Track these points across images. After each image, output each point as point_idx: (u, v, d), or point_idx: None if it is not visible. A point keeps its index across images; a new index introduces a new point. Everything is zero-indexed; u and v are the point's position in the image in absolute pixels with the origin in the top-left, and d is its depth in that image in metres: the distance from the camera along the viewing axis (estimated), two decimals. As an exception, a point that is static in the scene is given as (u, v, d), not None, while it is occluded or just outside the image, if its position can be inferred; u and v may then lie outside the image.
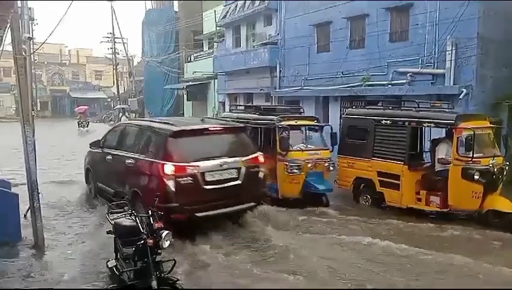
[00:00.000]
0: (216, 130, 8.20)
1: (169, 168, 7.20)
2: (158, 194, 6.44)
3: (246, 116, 10.94)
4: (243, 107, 13.15)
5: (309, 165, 9.53)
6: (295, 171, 9.40)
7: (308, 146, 10.06)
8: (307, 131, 10.60)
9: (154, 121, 9.05)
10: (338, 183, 10.32)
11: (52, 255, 6.95)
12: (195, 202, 7.30)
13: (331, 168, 9.92)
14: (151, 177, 7.53)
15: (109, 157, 9.09)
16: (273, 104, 15.83)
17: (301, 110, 11.75)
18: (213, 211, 7.41)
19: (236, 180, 7.73)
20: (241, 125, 9.30)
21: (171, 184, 7.14)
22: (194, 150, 7.61)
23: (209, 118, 13.96)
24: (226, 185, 7.58)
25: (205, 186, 7.36)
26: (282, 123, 9.69)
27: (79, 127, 33.59)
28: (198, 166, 7.33)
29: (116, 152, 8.90)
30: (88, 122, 34.95)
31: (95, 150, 9.91)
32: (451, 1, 12.32)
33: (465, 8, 11.91)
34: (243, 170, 7.80)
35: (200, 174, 7.33)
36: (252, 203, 8.05)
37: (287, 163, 9.41)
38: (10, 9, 6.27)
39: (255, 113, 10.94)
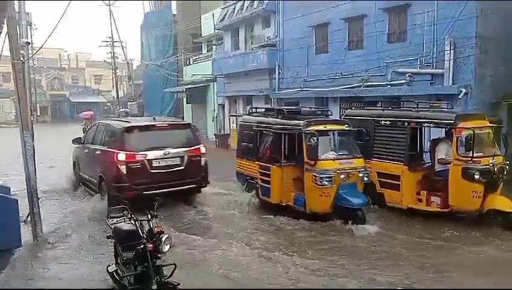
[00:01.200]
0: (162, 126, 10.36)
1: (121, 156, 9.26)
2: (114, 175, 9.23)
3: (267, 120, 9.92)
4: (263, 110, 11.54)
5: (341, 176, 8.35)
6: (325, 183, 8.24)
7: (340, 154, 8.77)
8: (338, 137, 9.09)
9: (115, 120, 11.81)
10: None
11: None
12: (143, 182, 9.21)
13: (366, 178, 8.72)
14: (109, 163, 9.55)
15: (86, 150, 11.24)
16: (298, 107, 13.00)
17: (329, 113, 10.44)
18: (158, 190, 8.88)
19: (180, 166, 9.74)
20: (186, 122, 12.39)
21: (123, 168, 9.20)
22: (143, 141, 9.61)
23: (160, 117, 14.37)
24: (170, 170, 9.57)
25: (152, 171, 9.38)
26: (309, 128, 8.62)
27: (84, 133, 32.93)
28: (146, 154, 9.37)
29: (91, 146, 10.97)
30: None
31: (79, 146, 11.95)
32: (450, 1, 12.34)
33: (463, 7, 11.92)
34: (186, 158, 9.82)
35: (147, 161, 9.36)
36: (193, 185, 9.96)
37: (316, 174, 8.28)
38: (3, 13, 6.26)
39: (277, 117, 9.79)
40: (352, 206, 8.25)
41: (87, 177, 11.06)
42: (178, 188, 9.60)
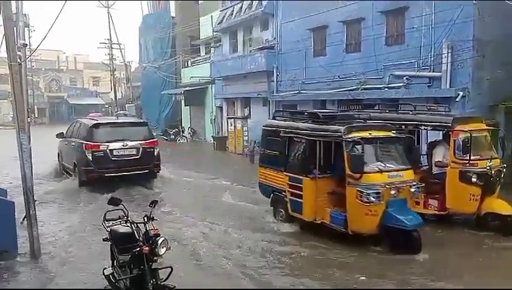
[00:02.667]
0: (122, 123, 13.53)
1: (89, 146, 11.89)
2: (83, 161, 11.97)
3: (298, 125, 8.71)
4: (291, 114, 10.34)
5: (392, 191, 7.18)
6: (373, 199, 7.07)
7: (388, 165, 7.58)
8: (384, 145, 7.96)
9: (87, 118, 14.64)
10: None
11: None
12: (105, 167, 11.88)
13: (417, 194, 7.76)
14: (80, 152, 12.15)
15: (66, 143, 13.85)
16: (336, 109, 12.18)
17: (370, 116, 9.32)
18: (117, 173, 11.98)
19: (136, 155, 12.30)
20: (142, 121, 15.41)
21: (89, 156, 11.84)
22: (106, 135, 12.21)
23: (124, 116, 19.03)
24: (128, 158, 12.18)
25: (113, 158, 12.01)
26: (352, 135, 7.47)
27: None
28: (108, 145, 11.96)
29: (69, 139, 13.52)
30: None
31: (62, 139, 14.39)
32: (447, 4, 12.37)
33: (460, 10, 11.96)
34: (141, 149, 12.36)
35: (109, 150, 11.97)
36: (147, 171, 12.49)
37: (361, 189, 7.12)
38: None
39: (308, 122, 8.61)
40: (406, 228, 7.03)
41: (67, 164, 13.77)
42: (133, 172, 12.25)
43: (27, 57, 8.40)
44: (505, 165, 8.54)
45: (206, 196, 11.93)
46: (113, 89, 42.64)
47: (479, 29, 11.93)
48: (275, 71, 19.39)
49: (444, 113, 9.60)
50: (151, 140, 12.90)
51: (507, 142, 8.75)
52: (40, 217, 7.99)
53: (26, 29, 9.34)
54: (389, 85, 14.08)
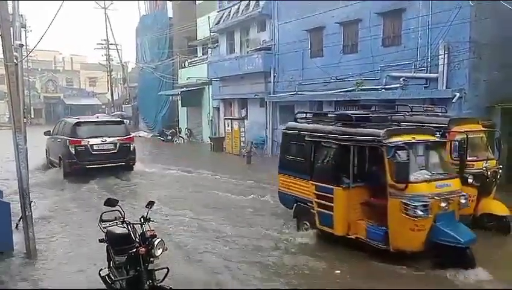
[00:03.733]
0: (102, 121, 15.78)
1: (72, 141, 13.54)
2: (67, 155, 13.62)
3: (326, 128, 7.90)
4: (315, 116, 9.82)
5: (442, 204, 6.41)
6: (420, 213, 6.27)
7: (434, 173, 6.81)
8: (428, 150, 7.09)
9: (70, 117, 16.08)
10: None
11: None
12: (86, 160, 13.57)
13: (465, 205, 7.02)
14: (64, 147, 13.80)
15: (53, 140, 15.37)
16: (367, 110, 9.84)
17: (405, 116, 8.64)
18: (97, 165, 13.69)
19: (114, 150, 13.99)
20: (120, 119, 17.01)
21: (72, 150, 13.50)
22: (87, 132, 13.94)
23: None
24: (106, 152, 13.89)
25: (93, 152, 13.71)
26: (393, 140, 6.65)
27: None
28: (88, 141, 13.65)
29: (55, 136, 15.10)
30: None
31: (49, 137, 15.82)
32: (443, 5, 12.41)
33: (457, 12, 12.00)
34: (118, 144, 14.03)
35: (89, 145, 13.64)
36: (123, 163, 14.21)
37: (407, 201, 6.33)
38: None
39: (337, 124, 7.81)
40: (459, 244, 6.18)
41: (53, 159, 15.35)
42: (111, 164, 13.90)
43: (24, 57, 8.35)
44: (500, 166, 8.57)
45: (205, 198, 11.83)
46: (109, 90, 42.63)
47: (476, 31, 11.98)
48: (272, 72, 19.41)
49: (440, 114, 9.62)
50: (128, 136, 14.64)
51: (503, 144, 8.76)
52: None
53: (22, 29, 9.33)
54: (386, 86, 14.12)
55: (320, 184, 7.61)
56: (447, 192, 6.55)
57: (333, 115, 8.52)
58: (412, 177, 6.43)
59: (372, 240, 6.90)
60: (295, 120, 9.19)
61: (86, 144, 13.57)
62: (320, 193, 7.61)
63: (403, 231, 6.45)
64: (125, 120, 33.73)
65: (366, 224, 7.09)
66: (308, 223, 8.04)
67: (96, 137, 13.76)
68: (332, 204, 7.35)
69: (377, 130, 6.90)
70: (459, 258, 6.23)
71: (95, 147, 13.69)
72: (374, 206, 7.10)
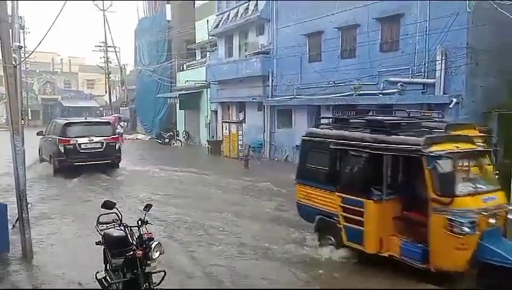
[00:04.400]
0: (89, 122, 16.46)
1: (61, 141, 14.64)
2: (57, 153, 14.75)
3: (354, 135, 7.17)
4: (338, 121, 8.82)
5: (491, 220, 5.83)
6: (467, 230, 5.67)
7: (479, 186, 6.14)
8: (471, 160, 6.34)
9: (61, 119, 18.16)
10: None
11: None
12: (75, 157, 14.63)
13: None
14: (55, 146, 14.88)
15: (44, 139, 16.46)
16: (398, 116, 9.11)
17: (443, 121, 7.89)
18: (84, 162, 14.67)
19: (100, 149, 15.10)
20: (106, 120, 18.58)
21: (62, 148, 14.62)
22: (75, 132, 15.03)
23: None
24: (93, 151, 14.98)
25: (81, 151, 14.78)
26: (434, 149, 5.98)
27: None
28: (77, 140, 14.75)
29: (47, 136, 16.20)
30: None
31: (41, 137, 16.83)
32: (441, 11, 12.47)
33: (454, 18, 12.08)
34: (104, 143, 15.15)
35: (78, 144, 14.74)
36: (108, 161, 15.28)
37: (452, 217, 5.74)
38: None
39: (366, 131, 7.08)
40: (509, 264, 5.49)
41: (45, 157, 16.45)
42: (98, 162, 14.97)
43: (22, 60, 8.36)
44: (497, 171, 8.57)
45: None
46: (107, 92, 42.56)
47: (473, 37, 12.06)
48: (270, 76, 19.46)
49: (437, 119, 9.63)
50: (114, 136, 15.84)
51: (500, 149, 8.80)
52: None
53: (21, 31, 9.32)
54: (384, 91, 14.19)
55: (348, 196, 6.92)
56: (494, 206, 5.97)
57: (361, 120, 7.74)
58: (456, 191, 5.82)
59: (409, 259, 6.24)
60: (316, 126, 8.40)
61: (74, 143, 14.71)
62: (348, 206, 6.92)
63: (447, 250, 5.83)
64: (122, 122, 34.21)
65: (400, 241, 6.42)
66: (333, 239, 7.35)
67: (83, 137, 14.90)
68: (362, 219, 6.67)
69: (415, 137, 6.23)
70: (509, 279, 5.52)
71: (82, 146, 14.81)
72: (409, 221, 6.50)
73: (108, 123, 17.01)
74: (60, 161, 14.69)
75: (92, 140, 14.91)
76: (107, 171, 15.20)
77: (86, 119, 16.96)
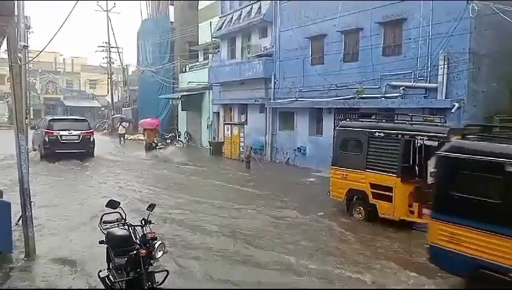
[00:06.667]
0: (69, 119, 21.51)
1: (46, 133, 18.45)
2: (43, 143, 18.76)
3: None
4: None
5: None
6: None
7: None
8: None
9: (49, 116, 23.68)
10: (331, 195, 10.38)
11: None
12: (57, 147, 18.23)
13: None
14: (42, 137, 18.65)
15: (36, 132, 20.13)
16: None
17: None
18: (64, 150, 18.14)
19: (77, 140, 18.80)
20: (83, 118, 22.29)
21: (47, 139, 18.36)
22: (58, 126, 18.86)
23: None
24: (72, 142, 18.63)
25: (61, 141, 18.44)
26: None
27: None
28: (59, 132, 18.46)
29: (38, 130, 20.14)
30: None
31: (34, 131, 20.21)
32: (444, 16, 12.52)
33: (457, 23, 12.12)
34: (81, 136, 18.88)
35: (59, 136, 18.43)
36: (84, 151, 18.86)
37: None
38: (10, 20, 6.26)
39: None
40: None
41: (35, 147, 19.73)
42: (75, 151, 18.44)
43: (29, 60, 8.40)
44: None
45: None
46: (110, 92, 42.60)
47: (475, 42, 12.10)
48: (272, 78, 19.51)
49: (439, 123, 9.69)
50: (89, 131, 19.63)
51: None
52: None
53: (26, 31, 9.37)
54: (386, 95, 14.22)
55: None
56: None
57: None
58: None
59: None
60: (462, 138, 6.26)
61: (57, 135, 18.41)
62: None
63: None
64: (124, 122, 34.28)
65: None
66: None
67: (64, 130, 18.64)
68: None
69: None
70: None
71: (63, 138, 18.54)
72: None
73: (85, 120, 20.92)
74: (45, 149, 18.48)
75: (71, 133, 18.69)
76: (81, 159, 18.46)
77: (67, 116, 21.33)
